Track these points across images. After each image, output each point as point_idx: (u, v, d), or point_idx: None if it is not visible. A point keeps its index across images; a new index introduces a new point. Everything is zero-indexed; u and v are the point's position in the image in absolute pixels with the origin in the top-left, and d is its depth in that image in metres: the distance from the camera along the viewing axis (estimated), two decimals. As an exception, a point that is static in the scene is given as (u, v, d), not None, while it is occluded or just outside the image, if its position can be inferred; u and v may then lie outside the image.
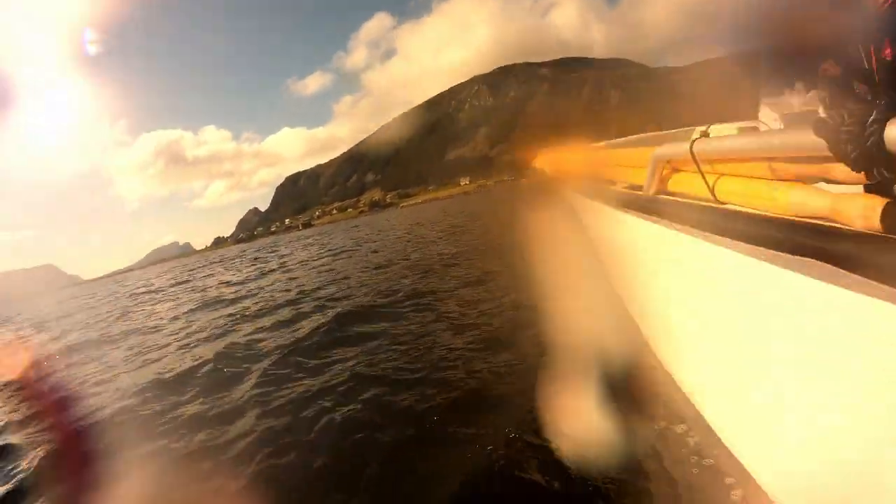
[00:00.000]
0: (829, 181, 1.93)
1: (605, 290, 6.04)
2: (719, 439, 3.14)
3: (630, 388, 4.38)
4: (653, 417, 3.85)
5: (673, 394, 4.06)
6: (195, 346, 9.68)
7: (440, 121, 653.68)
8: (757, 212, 2.17)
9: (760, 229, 1.97)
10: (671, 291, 3.60)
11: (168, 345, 10.55)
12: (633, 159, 4.01)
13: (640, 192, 3.48)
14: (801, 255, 1.68)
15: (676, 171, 3.11)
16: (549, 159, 6.32)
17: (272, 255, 41.98)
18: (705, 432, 3.30)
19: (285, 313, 10.75)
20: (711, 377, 3.24)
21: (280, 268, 25.02)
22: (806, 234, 1.74)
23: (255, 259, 40.63)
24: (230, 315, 12.65)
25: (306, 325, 9.01)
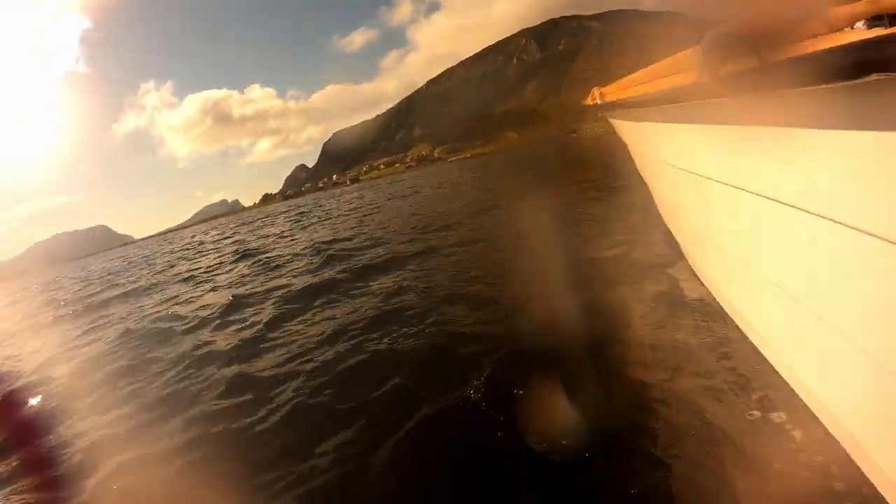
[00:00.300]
0: (887, 15, 1.85)
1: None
2: (767, 362, 3.04)
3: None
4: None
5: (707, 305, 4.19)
6: (220, 291, 10.22)
7: (487, 75, 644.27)
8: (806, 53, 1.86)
9: (812, 68, 1.68)
10: (702, 191, 3.33)
11: (197, 293, 10.97)
12: (681, 63, 3.58)
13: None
14: (860, 77, 1.45)
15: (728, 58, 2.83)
16: (602, 92, 5.84)
17: (316, 209, 42.75)
18: (749, 349, 3.20)
19: (308, 263, 11.07)
20: (754, 285, 2.95)
21: (318, 221, 25.52)
22: (864, 51, 1.48)
23: (300, 213, 41.56)
24: (261, 264, 13.17)
25: (325, 275, 9.24)
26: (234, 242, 25.45)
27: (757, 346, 3.27)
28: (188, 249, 31.03)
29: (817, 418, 2.50)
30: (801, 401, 2.62)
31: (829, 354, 2.26)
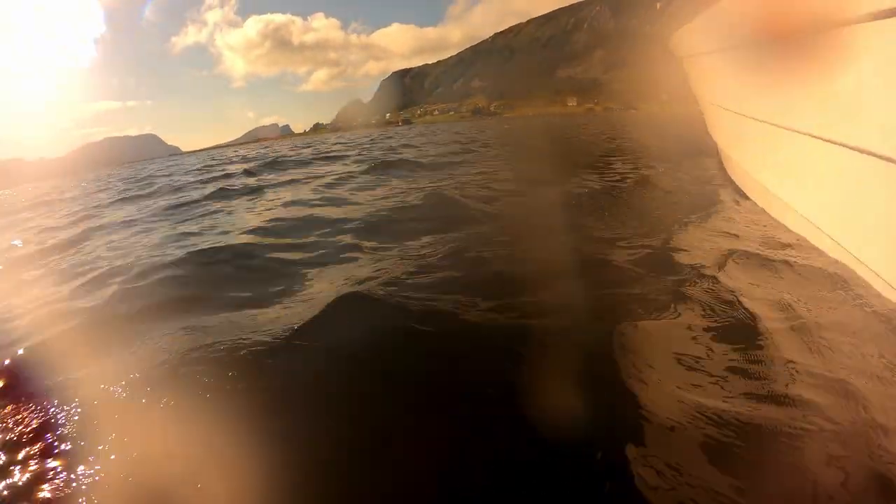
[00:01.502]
0: None
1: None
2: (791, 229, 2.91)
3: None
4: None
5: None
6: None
7: (555, 37, 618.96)
8: None
9: None
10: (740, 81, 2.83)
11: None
12: None
13: None
14: None
15: None
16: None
17: (352, 144, 42.43)
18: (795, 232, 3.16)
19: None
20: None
21: (351, 146, 30.69)
22: None
23: (341, 144, 44.70)
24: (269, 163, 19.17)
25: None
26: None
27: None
28: (228, 162, 33.96)
29: None
30: None
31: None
